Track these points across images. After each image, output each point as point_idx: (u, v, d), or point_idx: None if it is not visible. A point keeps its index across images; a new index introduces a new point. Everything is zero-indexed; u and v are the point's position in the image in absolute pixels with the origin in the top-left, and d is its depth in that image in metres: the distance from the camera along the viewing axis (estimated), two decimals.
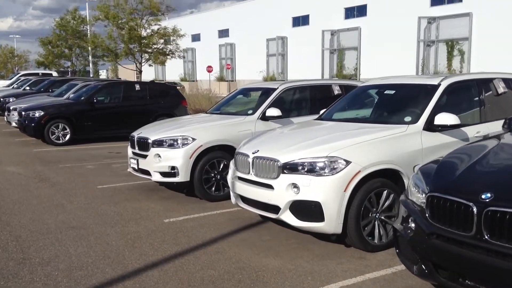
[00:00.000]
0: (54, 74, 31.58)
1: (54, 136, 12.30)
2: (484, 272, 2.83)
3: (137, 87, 13.86)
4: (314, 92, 7.90)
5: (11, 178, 8.30)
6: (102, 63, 44.41)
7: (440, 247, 3.01)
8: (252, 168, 4.86)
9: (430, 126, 4.85)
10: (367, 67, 33.43)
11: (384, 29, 32.22)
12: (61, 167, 9.31)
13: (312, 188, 4.32)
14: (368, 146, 4.53)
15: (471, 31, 28.36)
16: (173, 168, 6.42)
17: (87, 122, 12.62)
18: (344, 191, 4.28)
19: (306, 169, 4.42)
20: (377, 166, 4.42)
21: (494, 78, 5.67)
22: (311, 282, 3.89)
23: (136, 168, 6.93)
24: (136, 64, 31.56)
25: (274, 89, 7.39)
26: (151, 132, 6.92)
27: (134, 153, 7.04)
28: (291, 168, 4.49)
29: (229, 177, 5.41)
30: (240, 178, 5.09)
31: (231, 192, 5.36)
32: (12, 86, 25.27)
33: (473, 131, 5.10)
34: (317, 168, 4.37)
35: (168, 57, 31.69)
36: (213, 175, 6.53)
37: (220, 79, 46.76)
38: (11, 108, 14.76)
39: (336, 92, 7.63)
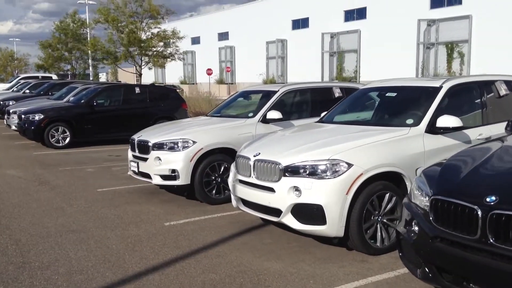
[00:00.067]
0: (54, 77, 31.58)
1: (54, 139, 12.27)
2: (489, 276, 2.81)
3: (137, 90, 13.84)
4: (315, 94, 7.88)
5: (11, 181, 8.27)
6: (102, 66, 44.47)
7: (444, 250, 2.98)
8: (253, 171, 4.83)
9: (432, 129, 4.83)
10: (367, 69, 33.46)
11: (383, 31, 32.26)
12: (61, 170, 9.28)
13: (314, 191, 4.30)
14: (370, 149, 4.51)
15: (470, 33, 28.41)
16: (173, 171, 6.39)
17: (87, 125, 12.60)
18: (346, 194, 4.25)
19: (307, 172, 4.39)
20: (379, 169, 4.39)
21: (496, 80, 5.65)
22: (313, 286, 3.86)
23: (137, 171, 6.91)
24: (136, 67, 31.58)
25: (275, 92, 7.37)
26: (151, 135, 6.90)
27: (134, 156, 7.02)
28: (292, 171, 4.47)
29: (230, 180, 5.38)
30: (241, 181, 5.06)
31: (232, 195, 5.33)
32: (12, 89, 25.25)
33: (475, 134, 5.07)
34: (319, 171, 4.34)
35: (168, 59, 31.71)
36: (213, 178, 6.50)
37: (220, 82, 46.80)
38: (10, 111, 14.74)
39: (337, 95, 7.62)
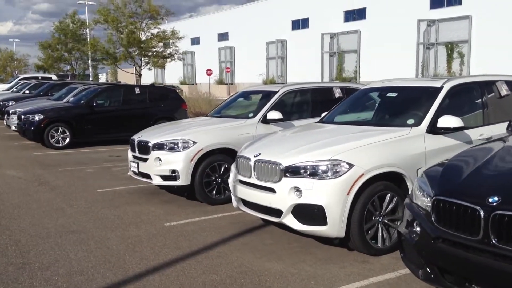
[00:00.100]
0: (54, 77, 31.57)
1: (53, 139, 12.25)
2: (491, 277, 2.79)
3: (137, 90, 13.83)
4: (315, 95, 7.87)
5: (11, 182, 8.25)
6: (101, 66, 44.49)
7: (446, 251, 2.97)
8: (254, 171, 4.82)
9: (433, 129, 4.82)
10: (366, 70, 33.46)
11: (383, 32, 32.26)
12: (61, 170, 9.26)
13: (314, 192, 4.28)
14: (371, 149, 4.49)
15: (470, 33, 28.41)
16: (173, 171, 6.37)
17: (87, 126, 12.58)
18: (347, 194, 4.24)
19: (308, 173, 4.38)
20: (380, 169, 4.38)
21: (497, 80, 5.64)
22: (314, 287, 3.84)
23: (137, 171, 6.89)
24: (135, 67, 31.57)
25: (275, 92, 7.36)
26: (151, 135, 6.88)
27: (134, 157, 7.00)
28: (293, 171, 4.45)
29: (230, 181, 5.36)
30: (242, 182, 5.05)
31: (232, 196, 5.32)
32: (12, 89, 25.23)
33: (477, 134, 5.06)
34: (320, 171, 4.33)
35: (167, 60, 31.69)
36: (214, 178, 6.49)
37: (220, 82, 46.79)
38: (10, 111, 14.73)
39: (337, 95, 7.60)
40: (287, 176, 4.47)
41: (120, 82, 39.69)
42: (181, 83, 49.63)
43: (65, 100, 14.36)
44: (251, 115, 7.21)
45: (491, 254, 2.76)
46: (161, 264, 4.38)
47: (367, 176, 4.30)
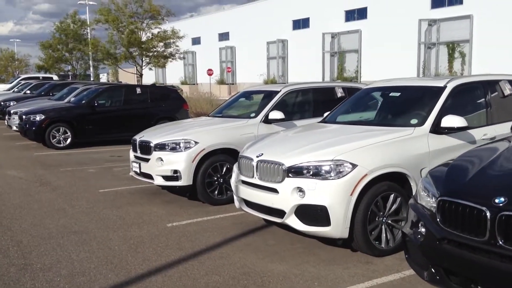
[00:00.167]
0: (55, 77, 31.56)
1: (55, 139, 12.24)
2: (498, 278, 2.76)
3: (138, 90, 13.80)
4: (317, 94, 7.85)
5: (12, 182, 8.24)
6: (102, 66, 44.48)
7: (451, 252, 2.95)
8: (256, 171, 4.79)
9: (436, 129, 4.79)
10: (368, 69, 33.41)
11: (384, 31, 32.21)
12: (62, 171, 9.25)
13: (317, 192, 4.26)
14: (374, 149, 4.47)
15: (471, 33, 28.35)
16: (175, 171, 6.35)
17: (88, 126, 12.57)
18: (351, 195, 4.21)
19: (311, 173, 4.35)
20: (383, 169, 4.35)
21: (500, 80, 5.61)
22: None
23: (138, 171, 6.87)
24: (136, 67, 31.56)
25: (277, 92, 7.34)
26: (153, 135, 6.86)
27: (136, 157, 6.98)
28: (296, 171, 4.43)
29: (232, 181, 5.34)
30: (244, 182, 5.02)
31: (234, 196, 5.29)
32: (13, 90, 25.22)
33: (480, 134, 5.04)
34: (323, 171, 4.30)
35: (168, 59, 31.68)
36: (216, 178, 6.47)
37: (221, 82, 46.75)
38: (11, 112, 14.72)
39: (339, 95, 7.58)
40: (289, 177, 4.45)
41: (121, 82, 39.68)
42: (182, 83, 49.58)
43: (66, 100, 14.34)
44: (253, 115, 7.18)
45: (497, 255, 2.74)
46: (163, 265, 4.36)
47: (371, 177, 4.27)
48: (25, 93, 21.30)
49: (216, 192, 6.47)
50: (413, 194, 4.27)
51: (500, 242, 2.72)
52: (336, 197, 4.21)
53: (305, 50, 38.39)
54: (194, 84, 49.95)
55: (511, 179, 3.03)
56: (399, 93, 5.78)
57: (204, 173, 6.36)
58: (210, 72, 37.61)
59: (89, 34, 40.31)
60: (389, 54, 31.06)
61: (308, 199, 4.29)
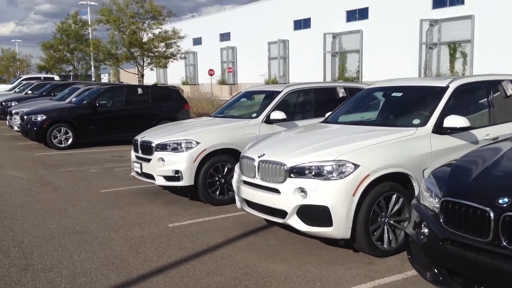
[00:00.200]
0: (56, 78, 31.58)
1: (56, 140, 12.24)
2: (501, 279, 2.75)
3: (139, 90, 13.80)
4: (319, 94, 7.83)
5: (13, 182, 8.23)
6: (104, 67, 44.47)
7: (455, 253, 2.93)
8: (258, 172, 4.78)
9: (439, 129, 4.77)
10: (369, 70, 33.37)
11: (386, 31, 32.17)
12: (64, 171, 9.24)
13: (319, 193, 4.24)
14: (376, 149, 4.45)
15: (473, 33, 28.29)
16: (177, 172, 6.34)
17: (90, 126, 12.57)
18: (353, 195, 4.20)
19: (313, 173, 4.34)
20: (386, 170, 4.34)
21: (503, 80, 5.60)
22: None
23: (140, 172, 6.87)
24: (137, 68, 31.57)
25: (279, 92, 7.32)
26: (154, 135, 6.85)
27: (137, 157, 6.97)
28: (298, 172, 4.41)
29: (234, 181, 5.33)
30: (246, 182, 5.01)
31: (236, 197, 5.28)
32: (14, 90, 25.25)
33: (483, 134, 5.01)
34: (325, 172, 4.29)
35: (169, 59, 31.68)
36: (217, 179, 6.46)
37: (222, 82, 46.74)
38: (13, 112, 14.72)
39: (341, 95, 7.56)
40: (291, 177, 4.43)
41: (122, 82, 39.68)
42: (183, 83, 49.59)
43: (67, 100, 14.34)
44: (254, 115, 7.17)
45: (501, 256, 2.72)
46: (165, 265, 4.35)
47: (373, 177, 4.25)
48: (26, 93, 21.31)
49: (217, 193, 6.46)
50: (416, 194, 4.26)
51: (504, 243, 2.70)
52: (338, 197, 4.19)
53: (306, 50, 38.36)
54: (195, 84, 49.96)
55: None
56: (401, 93, 5.77)
57: (206, 173, 6.35)
58: (211, 73, 37.60)
59: (90, 34, 40.33)
60: (390, 54, 31.02)
61: (310, 200, 4.28)
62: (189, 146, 6.37)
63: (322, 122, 6.03)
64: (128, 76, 43.53)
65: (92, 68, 44.00)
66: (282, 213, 4.51)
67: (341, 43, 36.75)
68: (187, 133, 6.64)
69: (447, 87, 5.13)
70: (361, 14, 35.20)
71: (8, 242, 5.05)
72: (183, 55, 33.15)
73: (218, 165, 6.47)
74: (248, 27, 45.42)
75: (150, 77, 47.32)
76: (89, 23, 39.24)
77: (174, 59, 31.95)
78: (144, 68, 31.60)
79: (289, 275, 4.07)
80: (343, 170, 4.24)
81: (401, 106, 5.74)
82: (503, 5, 26.25)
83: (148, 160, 6.66)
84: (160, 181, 6.54)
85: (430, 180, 3.41)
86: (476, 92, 5.51)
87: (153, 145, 6.60)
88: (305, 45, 38.80)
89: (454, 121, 4.69)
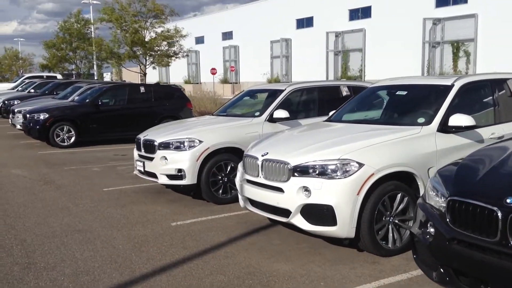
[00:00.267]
0: (59, 76, 31.61)
1: (59, 138, 12.24)
2: (509, 279, 2.71)
3: (142, 89, 13.80)
4: (322, 93, 7.79)
5: (16, 181, 8.23)
6: (106, 65, 44.51)
7: (461, 253, 2.90)
8: (262, 171, 4.75)
9: (444, 128, 4.73)
10: (372, 68, 33.28)
11: (388, 30, 32.08)
12: (66, 169, 9.23)
13: (324, 192, 4.21)
14: (381, 148, 4.42)
15: (476, 32, 28.19)
16: (180, 170, 6.32)
17: (92, 125, 12.57)
18: (357, 194, 4.16)
19: (317, 172, 4.30)
20: (391, 169, 4.30)
21: (508, 79, 5.55)
22: None
23: (142, 170, 6.85)
24: (140, 66, 31.56)
25: (282, 91, 7.29)
26: (157, 134, 6.83)
27: (140, 156, 6.95)
28: (302, 171, 4.38)
29: (237, 180, 5.30)
30: (249, 181, 4.98)
31: (239, 195, 5.25)
32: (17, 88, 25.29)
33: (488, 133, 4.97)
34: (329, 170, 4.26)
35: (172, 58, 31.65)
36: (220, 177, 6.43)
37: (224, 81, 46.71)
38: (15, 110, 14.74)
39: (344, 94, 7.53)
40: (295, 176, 4.40)
41: (124, 81, 39.73)
42: (186, 82, 49.57)
43: (70, 99, 14.36)
44: (257, 113, 7.14)
45: (508, 256, 2.69)
46: (168, 264, 4.33)
47: (378, 176, 4.22)
48: (29, 92, 21.34)
49: (220, 191, 6.44)
50: (421, 193, 4.23)
51: None
52: (342, 196, 4.16)
53: (309, 49, 38.29)
54: (197, 83, 49.94)
55: None
56: (406, 92, 5.72)
57: (209, 172, 6.33)
58: (213, 71, 37.58)
59: (92, 33, 40.34)
60: (393, 53, 30.93)
61: (314, 199, 4.25)
62: (192, 144, 6.35)
63: (326, 120, 5.99)
64: (131, 75, 43.54)
65: (95, 67, 44.03)
66: (286, 212, 4.48)
67: (344, 42, 36.67)
68: (190, 131, 6.62)
69: (452, 85, 5.09)
70: (364, 12, 35.11)
71: (11, 241, 5.03)
72: (185, 54, 33.12)
73: (221, 164, 6.44)
74: (251, 25, 45.37)
75: (153, 76, 47.30)
76: (92, 21, 39.23)
77: (176, 57, 31.92)
78: (147, 66, 31.57)
79: (292, 274, 4.05)
80: (347, 169, 4.21)
81: (406, 104, 5.70)
82: (507, 4, 26.14)
83: (151, 159, 6.64)
84: (163, 180, 6.52)
85: (436, 179, 3.37)
86: (481, 90, 5.47)
87: (156, 143, 6.57)
88: (307, 44, 38.73)
89: (459, 119, 4.66)
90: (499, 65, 21.63)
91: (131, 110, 13.07)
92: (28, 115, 12.73)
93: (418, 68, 30.25)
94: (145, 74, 31.86)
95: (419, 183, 4.46)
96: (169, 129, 7.04)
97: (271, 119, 6.86)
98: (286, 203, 4.45)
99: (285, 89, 7.31)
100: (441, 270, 3.08)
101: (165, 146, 6.50)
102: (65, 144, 12.25)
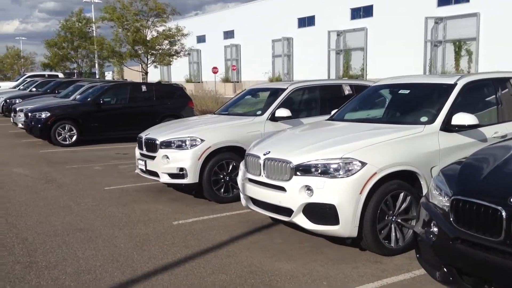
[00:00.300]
0: (60, 75, 31.64)
1: (60, 137, 12.25)
2: None
3: (144, 88, 13.80)
4: (324, 92, 7.77)
5: (18, 179, 8.23)
6: (108, 64, 44.48)
7: (465, 252, 2.88)
8: (264, 169, 4.74)
9: (447, 127, 4.71)
10: (373, 67, 33.22)
11: (390, 29, 32.02)
12: (68, 168, 9.23)
13: (326, 191, 4.20)
14: (384, 147, 4.40)
15: (478, 31, 28.11)
16: (181, 169, 6.31)
17: (94, 123, 12.57)
18: (360, 193, 4.15)
19: (319, 171, 4.29)
20: (393, 168, 4.28)
21: (511, 77, 5.52)
22: None
23: (144, 169, 6.84)
24: (141, 65, 31.56)
25: (284, 89, 7.27)
26: (158, 133, 6.82)
27: (142, 154, 6.94)
28: (304, 170, 4.37)
29: (239, 179, 5.29)
30: (251, 180, 4.97)
31: (241, 194, 5.24)
32: (19, 87, 25.31)
33: (491, 132, 4.95)
34: (331, 169, 4.24)
35: (173, 57, 31.64)
36: (222, 176, 6.42)
37: (226, 80, 46.68)
38: (17, 109, 14.75)
39: (346, 92, 7.51)
40: (297, 175, 4.39)
41: (126, 79, 39.70)
42: (187, 81, 49.57)
43: (72, 97, 14.36)
44: (259, 112, 7.13)
45: None
46: (170, 263, 4.32)
47: (380, 175, 4.20)
48: (30, 90, 21.36)
49: (222, 190, 6.43)
50: (423, 192, 4.21)
51: None
52: (345, 195, 4.14)
53: (311, 48, 38.24)
54: (199, 82, 49.92)
55: None
56: (408, 91, 5.70)
57: (210, 171, 6.32)
58: (215, 70, 37.56)
59: (94, 32, 40.34)
60: (395, 52, 30.87)
61: (317, 198, 4.23)
62: (194, 143, 6.34)
63: (328, 119, 5.97)
64: (132, 74, 43.46)
65: (96, 66, 44.05)
66: (288, 211, 4.47)
67: (346, 41, 36.61)
68: (192, 130, 6.61)
69: (455, 84, 5.06)
70: (366, 11, 35.04)
71: (12, 239, 5.03)
72: (187, 53, 33.11)
73: (223, 163, 6.43)
74: (252, 24, 45.32)
75: (154, 75, 47.30)
76: (93, 20, 39.25)
77: (178, 56, 31.91)
78: (148, 65, 31.56)
79: (295, 273, 4.03)
80: (350, 168, 4.19)
81: (408, 103, 5.67)
82: (509, 2, 26.06)
83: (153, 158, 6.63)
84: (164, 179, 6.51)
85: (439, 178, 3.36)
86: (484, 89, 5.45)
87: (158, 142, 6.56)
88: (309, 43, 38.68)
89: (462, 118, 4.63)
90: (501, 64, 21.58)
91: (133, 109, 13.07)
92: (29, 114, 12.74)
93: (420, 67, 30.19)
94: (146, 73, 31.84)
95: (422, 182, 4.44)
96: (171, 128, 7.03)
97: (273, 118, 6.84)
98: (288, 202, 4.44)
99: (287, 88, 7.29)
100: (445, 269, 3.06)
101: (167, 145, 6.49)
102: (67, 142, 12.25)
